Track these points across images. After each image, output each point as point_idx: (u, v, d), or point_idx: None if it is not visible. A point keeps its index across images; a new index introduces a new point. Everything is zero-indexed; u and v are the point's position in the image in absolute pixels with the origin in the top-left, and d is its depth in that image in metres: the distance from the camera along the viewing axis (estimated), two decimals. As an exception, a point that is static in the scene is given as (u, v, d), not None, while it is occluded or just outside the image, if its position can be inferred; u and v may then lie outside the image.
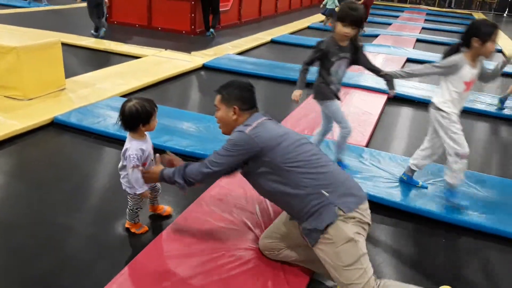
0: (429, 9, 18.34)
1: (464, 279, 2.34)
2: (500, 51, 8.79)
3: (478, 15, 17.27)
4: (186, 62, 6.31)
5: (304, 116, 4.39)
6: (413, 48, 8.91)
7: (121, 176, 2.34)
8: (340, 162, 3.23)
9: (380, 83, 5.47)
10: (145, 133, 2.33)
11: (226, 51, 7.20)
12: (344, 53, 2.87)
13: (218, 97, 2.16)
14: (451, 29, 12.21)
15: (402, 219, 2.83)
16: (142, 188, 2.29)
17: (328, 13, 10.92)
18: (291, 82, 5.77)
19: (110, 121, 3.87)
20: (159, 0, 8.94)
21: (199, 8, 8.67)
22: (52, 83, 4.55)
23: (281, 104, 5.00)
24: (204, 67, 6.29)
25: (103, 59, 6.49)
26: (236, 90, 2.12)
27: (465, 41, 2.66)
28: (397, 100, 5.24)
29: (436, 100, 2.81)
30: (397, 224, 2.79)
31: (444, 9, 19.03)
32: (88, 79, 5.12)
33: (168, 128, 3.79)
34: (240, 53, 7.29)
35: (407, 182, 3.11)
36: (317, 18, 12.25)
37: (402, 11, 16.55)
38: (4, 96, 4.31)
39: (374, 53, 7.69)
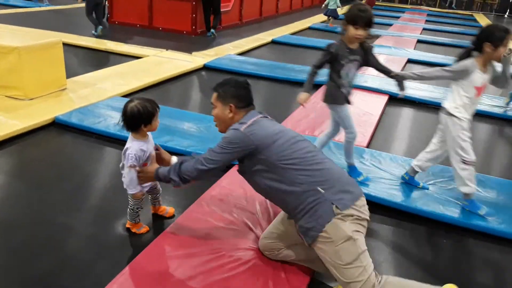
0: (430, 10, 18.35)
1: (465, 279, 2.33)
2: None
3: (479, 16, 17.27)
4: (187, 62, 6.31)
5: (304, 117, 4.38)
6: (414, 49, 8.91)
7: (123, 176, 2.34)
8: (352, 167, 3.15)
9: (381, 84, 5.52)
10: (148, 133, 2.33)
11: (227, 52, 7.20)
12: (354, 55, 2.83)
13: (214, 95, 2.16)
14: (452, 30, 12.22)
15: (403, 220, 2.83)
16: (135, 189, 2.29)
17: (330, 14, 10.94)
18: (292, 83, 5.80)
19: (111, 121, 3.87)
20: (160, 0, 8.95)
21: (200, 8, 8.67)
22: (53, 83, 4.56)
23: (282, 105, 5.00)
24: (205, 68, 6.29)
25: (104, 59, 6.50)
26: (232, 88, 2.13)
27: (477, 46, 2.64)
28: (397, 100, 5.24)
29: (447, 105, 2.78)
30: (398, 225, 2.78)
31: (445, 10, 19.03)
32: (89, 79, 5.12)
33: (169, 128, 3.79)
34: (241, 54, 7.29)
35: (409, 183, 3.11)
36: (318, 19, 12.25)
37: (403, 12, 16.56)
38: (5, 96, 4.31)
39: (374, 54, 7.67)
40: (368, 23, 2.71)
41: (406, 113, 5.11)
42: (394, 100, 5.26)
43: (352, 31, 2.73)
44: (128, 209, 2.43)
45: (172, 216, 2.64)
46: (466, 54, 2.72)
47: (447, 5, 20.05)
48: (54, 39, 4.60)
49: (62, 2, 11.92)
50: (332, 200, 1.89)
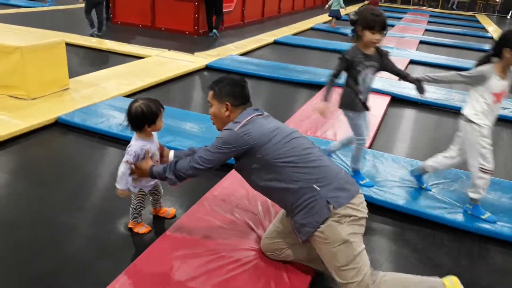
0: (432, 11, 18.34)
1: (467, 281, 2.32)
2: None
3: (481, 17, 17.25)
4: (189, 62, 6.32)
5: (306, 118, 4.38)
6: (416, 49, 8.91)
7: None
8: (356, 171, 3.13)
9: (383, 85, 5.52)
10: (152, 133, 2.33)
11: (229, 52, 7.21)
12: (370, 61, 2.81)
13: (211, 93, 2.15)
14: (454, 31, 12.19)
15: (404, 221, 2.82)
16: (124, 186, 2.25)
17: (333, 15, 10.94)
18: (294, 83, 5.81)
19: (113, 121, 3.88)
20: (162, 0, 8.96)
21: (203, 8, 8.69)
22: (55, 83, 4.57)
23: (284, 105, 5.00)
24: (207, 68, 6.30)
25: (106, 59, 6.51)
26: (228, 86, 2.11)
27: (496, 52, 2.59)
28: (400, 101, 5.24)
29: (467, 112, 2.73)
30: (400, 226, 2.78)
31: (447, 11, 19.01)
32: (91, 79, 5.13)
33: (172, 129, 3.79)
34: (243, 54, 7.30)
35: (415, 179, 3.09)
36: (320, 19, 12.25)
37: (405, 13, 16.55)
38: (8, 96, 4.32)
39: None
40: (384, 27, 2.69)
41: (408, 114, 5.10)
42: (396, 101, 5.26)
43: (369, 36, 2.69)
44: (131, 208, 2.43)
45: (174, 217, 2.64)
46: (485, 59, 2.67)
47: (449, 6, 20.03)
48: (56, 39, 4.62)
49: (65, 2, 11.95)
50: (327, 198, 1.89)
